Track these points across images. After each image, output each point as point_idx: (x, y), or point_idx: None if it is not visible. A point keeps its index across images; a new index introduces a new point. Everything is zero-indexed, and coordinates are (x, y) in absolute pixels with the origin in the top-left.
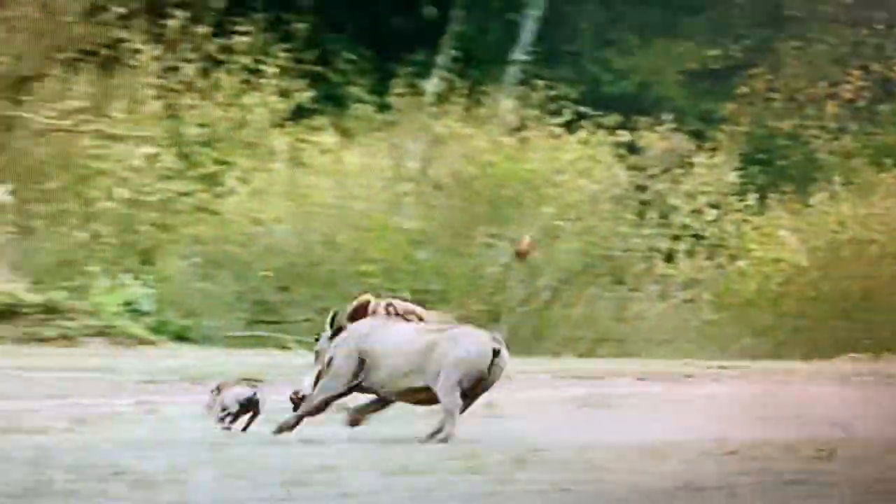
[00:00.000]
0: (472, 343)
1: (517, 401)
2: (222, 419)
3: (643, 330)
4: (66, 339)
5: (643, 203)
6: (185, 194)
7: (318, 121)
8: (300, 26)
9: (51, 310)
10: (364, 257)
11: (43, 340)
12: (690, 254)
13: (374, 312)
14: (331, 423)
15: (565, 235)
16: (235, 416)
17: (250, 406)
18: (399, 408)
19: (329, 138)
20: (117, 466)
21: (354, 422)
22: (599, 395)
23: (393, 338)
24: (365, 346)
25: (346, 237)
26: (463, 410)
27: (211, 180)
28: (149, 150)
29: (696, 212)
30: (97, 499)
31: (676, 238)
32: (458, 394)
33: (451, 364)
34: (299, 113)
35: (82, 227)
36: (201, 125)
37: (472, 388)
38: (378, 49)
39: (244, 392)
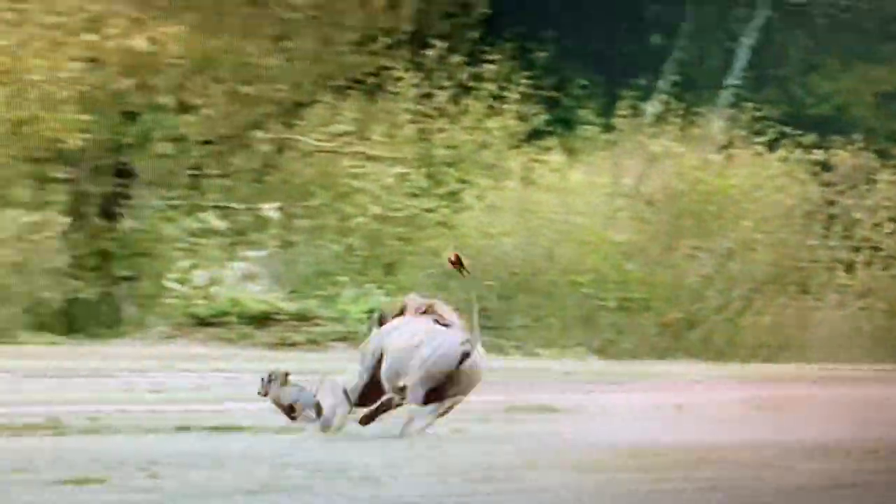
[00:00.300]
0: (440, 345)
1: (703, 402)
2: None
3: (822, 337)
4: (314, 343)
5: (830, 217)
6: (429, 210)
7: (549, 142)
8: (541, 55)
9: (302, 317)
10: (579, 268)
11: (293, 345)
12: (868, 264)
13: (406, 312)
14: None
15: (760, 247)
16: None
17: (296, 407)
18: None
19: (557, 158)
20: (343, 463)
21: (365, 420)
22: (778, 398)
23: (400, 336)
24: (382, 342)
25: (565, 249)
26: (442, 414)
27: (452, 197)
28: (401, 170)
29: (877, 225)
30: (330, 494)
31: (856, 250)
32: (420, 394)
33: (417, 364)
34: (533, 134)
35: (337, 240)
36: (448, 147)
37: (439, 391)
38: (607, 74)
39: (293, 393)
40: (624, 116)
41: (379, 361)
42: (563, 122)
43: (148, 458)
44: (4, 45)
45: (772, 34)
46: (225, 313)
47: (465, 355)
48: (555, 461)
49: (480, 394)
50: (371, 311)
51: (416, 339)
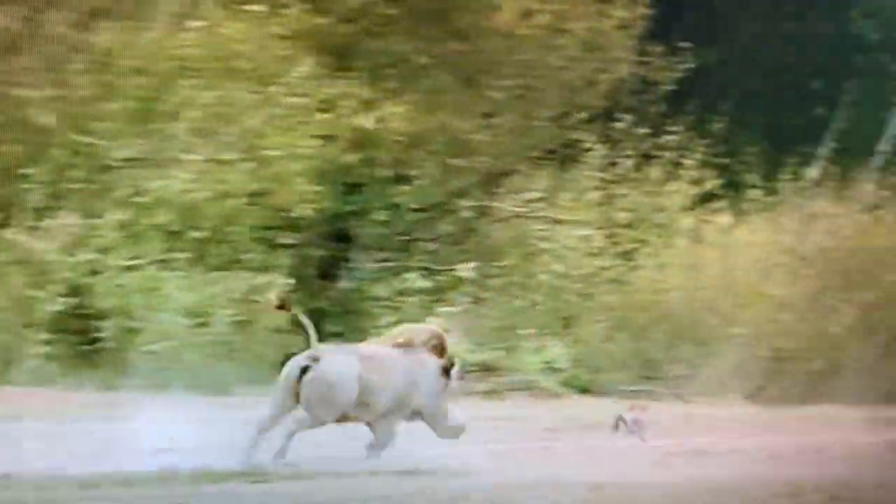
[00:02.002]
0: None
1: (844, 443)
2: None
3: None
4: (494, 392)
5: None
6: (605, 268)
7: (719, 204)
8: (717, 125)
9: (487, 368)
10: (737, 320)
11: (475, 394)
12: None
13: None
14: None
15: None
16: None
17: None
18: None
19: (725, 218)
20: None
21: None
22: None
23: None
24: None
25: (726, 303)
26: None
27: (627, 256)
28: (584, 232)
29: None
30: None
31: None
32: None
33: None
34: (705, 197)
35: (522, 296)
36: (627, 210)
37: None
38: (773, 143)
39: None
40: (786, 180)
41: None
42: (732, 186)
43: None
44: (250, 125)
45: None
46: None
47: (304, 370)
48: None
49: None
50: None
51: None
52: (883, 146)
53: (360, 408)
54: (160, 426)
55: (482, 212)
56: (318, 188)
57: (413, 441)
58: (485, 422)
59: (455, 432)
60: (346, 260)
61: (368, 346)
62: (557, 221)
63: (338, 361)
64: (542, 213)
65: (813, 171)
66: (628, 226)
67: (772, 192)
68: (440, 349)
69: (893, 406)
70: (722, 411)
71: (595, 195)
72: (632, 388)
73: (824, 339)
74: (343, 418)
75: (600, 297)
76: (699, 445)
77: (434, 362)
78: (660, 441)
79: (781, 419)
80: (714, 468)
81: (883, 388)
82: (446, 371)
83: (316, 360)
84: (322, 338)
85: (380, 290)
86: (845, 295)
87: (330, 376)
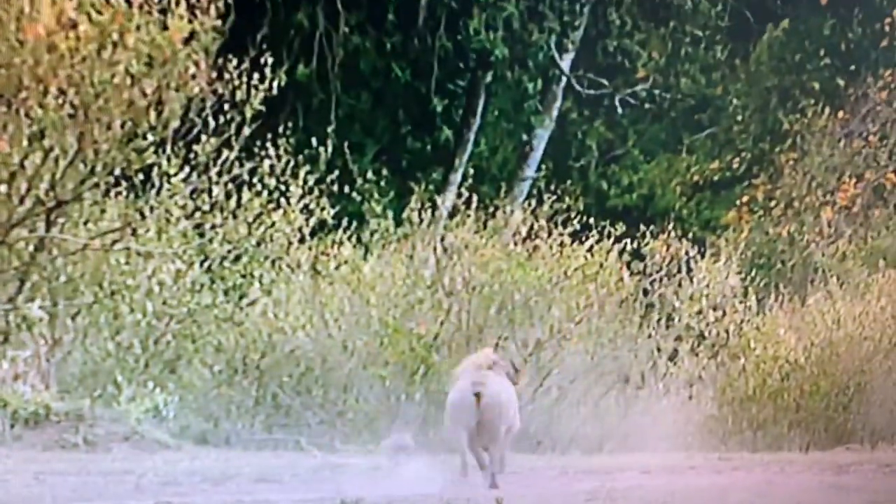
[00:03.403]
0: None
1: (523, 496)
2: None
3: (647, 425)
4: (92, 444)
5: (648, 306)
6: (209, 306)
7: (338, 235)
8: (321, 149)
9: (78, 417)
10: (379, 361)
11: (68, 447)
12: (693, 353)
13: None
14: None
15: (573, 337)
16: None
17: None
18: None
19: (348, 251)
20: None
21: None
22: (606, 490)
23: None
24: None
25: (362, 342)
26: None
27: (235, 292)
28: (177, 266)
29: (699, 313)
30: None
31: (679, 339)
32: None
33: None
34: (319, 228)
35: (111, 339)
36: (227, 242)
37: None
38: (394, 168)
39: None
40: (417, 209)
41: None
42: (353, 216)
43: None
44: None
45: (567, 125)
46: None
47: (478, 396)
48: None
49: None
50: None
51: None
52: (527, 171)
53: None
54: None
55: (43, 244)
56: None
57: None
58: (88, 476)
59: None
60: None
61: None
62: (142, 255)
63: (498, 384)
64: (120, 246)
65: (447, 199)
66: (231, 259)
67: (401, 222)
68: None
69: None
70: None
71: (185, 225)
72: (261, 437)
73: None
74: None
75: (207, 337)
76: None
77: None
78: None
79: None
80: None
81: (564, 433)
82: None
83: (483, 384)
84: None
85: None
86: (508, 332)
87: (500, 399)
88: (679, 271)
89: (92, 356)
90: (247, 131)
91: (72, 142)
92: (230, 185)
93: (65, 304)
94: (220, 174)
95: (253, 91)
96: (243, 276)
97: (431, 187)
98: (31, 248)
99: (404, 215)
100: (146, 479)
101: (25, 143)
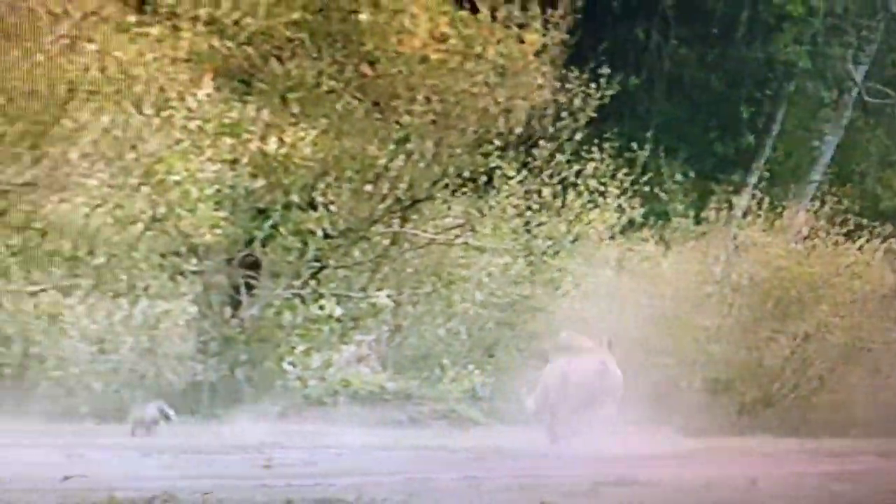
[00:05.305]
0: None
1: (772, 475)
2: None
3: (892, 414)
4: (413, 421)
5: None
6: (527, 297)
7: (644, 233)
8: (640, 153)
9: (406, 396)
10: (666, 350)
11: (396, 422)
12: None
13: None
14: None
15: (836, 330)
16: None
17: None
18: None
19: (651, 248)
20: None
21: None
22: (847, 473)
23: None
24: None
25: (655, 333)
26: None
27: (550, 285)
28: (505, 260)
29: None
30: None
31: None
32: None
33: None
34: (629, 226)
35: (443, 324)
36: (549, 238)
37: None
38: (700, 172)
39: None
40: (714, 209)
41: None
42: (658, 215)
43: None
44: (149, 149)
45: (853, 133)
46: (335, 393)
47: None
48: None
49: (568, 469)
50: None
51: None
52: (815, 175)
53: None
54: (66, 452)
55: (398, 239)
56: (221, 214)
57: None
58: (403, 451)
59: None
60: (253, 287)
61: None
62: (477, 249)
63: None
64: (460, 241)
65: (742, 200)
66: (551, 254)
67: (699, 221)
68: None
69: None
70: (653, 441)
71: (515, 223)
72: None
73: (759, 369)
74: None
75: (523, 325)
76: (630, 475)
77: None
78: (590, 469)
79: (715, 450)
80: (645, 498)
81: (818, 419)
82: None
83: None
84: (231, 365)
85: (290, 317)
86: (780, 325)
87: (618, 375)
88: None
89: (425, 341)
90: (579, 136)
91: (431, 146)
92: (558, 186)
93: (408, 293)
94: (551, 176)
95: (588, 99)
96: (559, 270)
97: (730, 189)
98: (386, 241)
99: (703, 214)
100: (457, 455)
101: (392, 146)
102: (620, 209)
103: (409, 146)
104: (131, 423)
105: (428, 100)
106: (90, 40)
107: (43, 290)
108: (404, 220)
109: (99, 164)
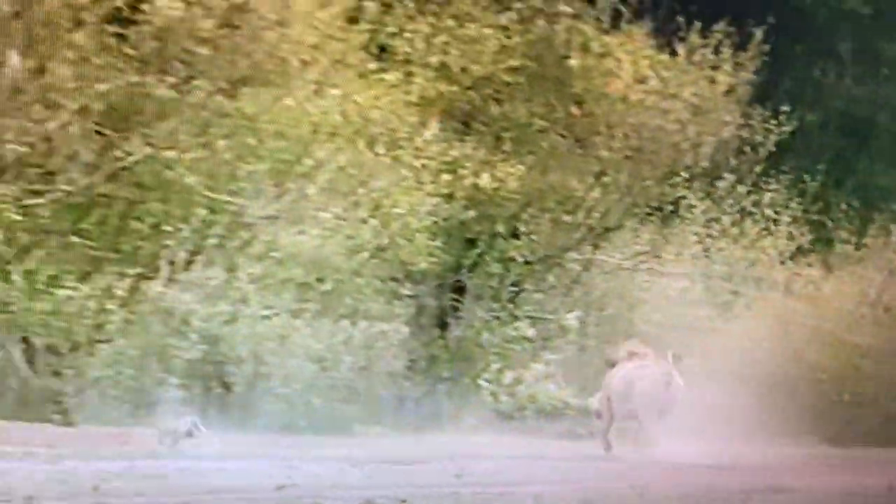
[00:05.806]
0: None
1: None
2: None
3: None
4: (591, 435)
5: None
6: (703, 319)
7: (809, 258)
8: (812, 184)
9: (587, 412)
10: (821, 367)
11: (573, 437)
12: None
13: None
14: None
15: None
16: None
17: None
18: None
19: (815, 272)
20: None
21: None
22: None
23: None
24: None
25: (812, 351)
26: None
27: (724, 307)
28: (684, 284)
29: None
30: None
31: None
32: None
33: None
34: (796, 251)
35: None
36: (726, 264)
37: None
38: (864, 200)
39: None
40: (874, 236)
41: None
42: (823, 241)
43: None
44: (379, 185)
45: None
46: (523, 408)
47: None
48: None
49: (722, 479)
50: None
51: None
52: None
53: None
54: (283, 464)
55: (588, 264)
56: (436, 243)
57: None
58: (569, 462)
59: None
60: (459, 309)
61: None
62: (660, 274)
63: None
64: (645, 266)
65: None
66: (726, 278)
67: (860, 247)
68: None
69: None
70: (800, 451)
71: (696, 249)
72: None
73: None
74: None
75: (697, 345)
76: (778, 483)
77: None
78: (739, 478)
79: (858, 460)
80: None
81: None
82: None
83: (671, 374)
84: (434, 382)
85: (489, 337)
86: None
87: (681, 387)
88: None
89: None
90: (758, 169)
91: (625, 179)
92: (737, 215)
93: (594, 314)
94: (731, 205)
95: (769, 135)
96: (732, 293)
97: (889, 217)
98: (578, 267)
99: (863, 241)
100: (615, 465)
101: (590, 180)
102: (791, 236)
103: (605, 179)
104: (161, 432)
105: (626, 136)
106: (335, 86)
107: (276, 314)
108: (596, 247)
109: (334, 198)
